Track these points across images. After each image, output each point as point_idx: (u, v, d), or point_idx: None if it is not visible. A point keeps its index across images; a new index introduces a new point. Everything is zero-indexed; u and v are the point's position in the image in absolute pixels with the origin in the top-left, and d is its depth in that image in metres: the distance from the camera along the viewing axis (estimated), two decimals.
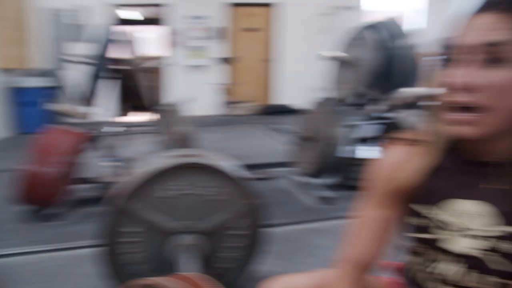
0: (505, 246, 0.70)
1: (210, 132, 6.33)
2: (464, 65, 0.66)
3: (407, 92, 3.58)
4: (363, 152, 3.21)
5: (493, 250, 0.71)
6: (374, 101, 3.47)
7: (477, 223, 0.73)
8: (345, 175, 3.13)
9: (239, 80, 8.81)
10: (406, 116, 3.27)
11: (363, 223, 0.88)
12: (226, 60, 7.01)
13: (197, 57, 8.34)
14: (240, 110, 8.55)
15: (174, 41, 8.09)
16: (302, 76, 9.08)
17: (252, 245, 1.60)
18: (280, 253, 2.10)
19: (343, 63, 3.15)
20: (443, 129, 0.75)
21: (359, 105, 3.67)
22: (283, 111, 8.50)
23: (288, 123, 6.75)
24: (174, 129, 2.08)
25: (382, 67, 3.20)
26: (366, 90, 3.30)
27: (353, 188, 3.09)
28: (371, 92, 4.36)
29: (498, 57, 0.63)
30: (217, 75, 8.22)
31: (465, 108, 0.67)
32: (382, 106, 3.34)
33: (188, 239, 1.43)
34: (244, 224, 1.56)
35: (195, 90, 8.25)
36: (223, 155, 1.71)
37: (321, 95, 8.85)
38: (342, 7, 9.04)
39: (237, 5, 8.60)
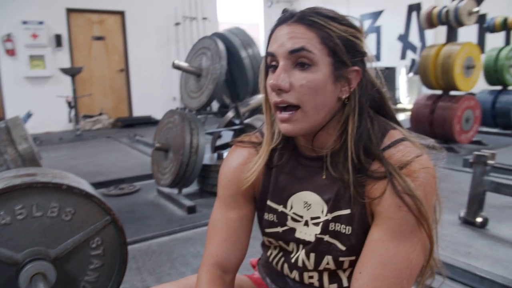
0: (331, 228, 0.81)
1: (62, 149, 5.78)
2: (277, 70, 0.75)
3: (258, 98, 3.84)
4: (222, 158, 3.32)
5: (324, 233, 0.82)
6: (228, 108, 3.62)
7: (313, 212, 0.83)
8: (207, 182, 3.20)
9: (93, 91, 8.24)
10: (257, 120, 3.49)
11: (215, 225, 0.91)
12: (74, 71, 6.48)
13: (37, 67, 7.51)
14: (96, 124, 7.99)
15: (6, 49, 7.15)
16: (161, 86, 8.95)
17: (116, 263, 1.52)
18: (148, 268, 2.04)
19: (191, 72, 3.19)
20: (278, 129, 0.84)
21: (212, 114, 3.78)
22: (145, 122, 8.23)
23: (150, 134, 6.58)
24: (15, 148, 1.83)
25: (232, 76, 3.36)
26: (216, 98, 3.39)
27: (216, 194, 3.19)
28: (222, 100, 4.51)
29: (299, 62, 0.74)
30: (65, 87, 7.52)
31: (283, 107, 0.76)
32: (236, 113, 3.51)
33: (40, 267, 1.29)
34: (105, 243, 1.47)
35: (40, 103, 7.42)
36: (75, 173, 1.59)
37: (177, 104, 8.85)
38: (197, 17, 9.21)
39: (84, 11, 8.05)
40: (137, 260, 2.13)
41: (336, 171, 0.79)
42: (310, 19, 0.74)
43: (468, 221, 2.38)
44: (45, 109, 7.46)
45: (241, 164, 0.89)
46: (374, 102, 0.83)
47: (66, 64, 7.66)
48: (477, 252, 2.06)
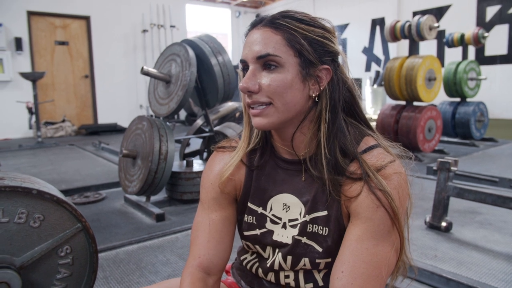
0: (309, 230, 0.82)
1: (22, 157, 5.54)
2: (247, 74, 0.77)
3: (228, 105, 3.84)
4: (192, 165, 3.28)
5: (302, 235, 0.83)
6: (196, 117, 3.59)
7: (291, 214, 0.85)
8: (176, 189, 3.15)
9: (56, 98, 7.97)
10: (227, 127, 3.48)
11: (198, 227, 0.91)
12: (35, 76, 6.24)
13: None
14: (59, 131, 7.72)
15: None
16: (127, 93, 8.78)
17: (85, 273, 1.46)
18: (116, 276, 1.97)
19: (160, 79, 3.14)
20: (254, 131, 0.87)
21: (180, 122, 3.74)
22: (110, 130, 8.03)
23: (116, 142, 6.42)
24: None
25: (202, 83, 3.34)
26: (184, 107, 3.35)
27: (185, 201, 3.15)
28: (191, 109, 4.47)
29: (266, 64, 0.76)
30: (26, 93, 7.24)
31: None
32: (206, 120, 3.48)
33: (3, 276, 1.22)
34: (74, 252, 1.41)
35: None
36: (41, 179, 1.52)
37: (143, 112, 8.72)
38: (165, 25, 9.13)
39: (47, 15, 7.81)
40: (104, 269, 2.05)
41: (316, 170, 0.81)
42: (277, 21, 0.77)
43: (433, 226, 2.46)
44: (3, 115, 7.16)
45: (221, 168, 0.90)
46: (345, 102, 0.85)
47: (27, 68, 7.39)
48: (442, 255, 2.13)
